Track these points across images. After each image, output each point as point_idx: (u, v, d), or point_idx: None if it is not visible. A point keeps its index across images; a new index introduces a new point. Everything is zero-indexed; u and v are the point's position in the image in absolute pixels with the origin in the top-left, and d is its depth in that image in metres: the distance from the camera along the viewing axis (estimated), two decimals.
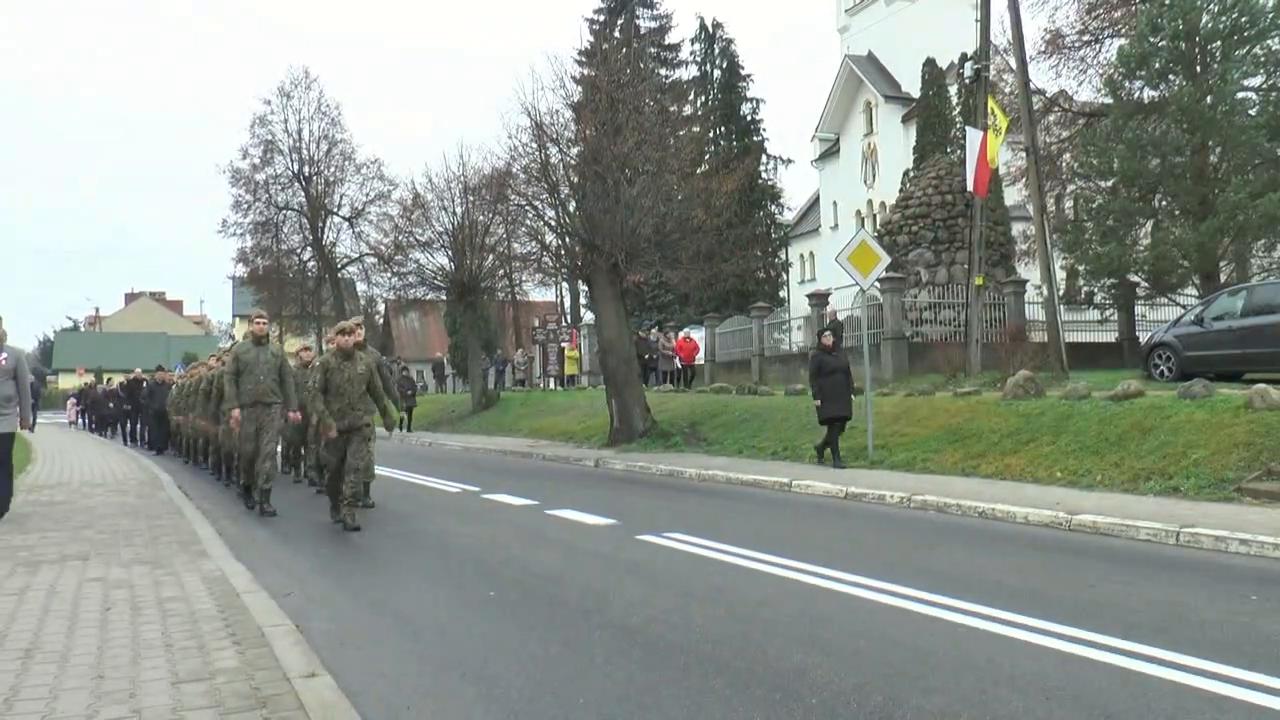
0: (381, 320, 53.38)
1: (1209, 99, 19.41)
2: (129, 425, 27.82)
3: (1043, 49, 25.42)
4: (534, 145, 19.26)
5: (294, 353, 14.00)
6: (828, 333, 14.14)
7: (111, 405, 31.41)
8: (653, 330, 30.06)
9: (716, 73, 46.26)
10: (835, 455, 13.54)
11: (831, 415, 13.46)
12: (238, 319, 69.21)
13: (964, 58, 22.47)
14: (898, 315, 22.63)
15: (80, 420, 38.24)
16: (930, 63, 31.41)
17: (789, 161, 47.36)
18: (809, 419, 16.71)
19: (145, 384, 24.57)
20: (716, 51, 46.25)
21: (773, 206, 46.08)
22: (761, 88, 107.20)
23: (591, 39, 33.69)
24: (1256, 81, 20.50)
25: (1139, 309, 23.55)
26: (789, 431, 16.16)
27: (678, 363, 27.44)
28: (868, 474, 12.58)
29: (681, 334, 27.92)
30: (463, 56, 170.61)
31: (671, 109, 25.81)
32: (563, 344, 32.90)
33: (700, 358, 28.79)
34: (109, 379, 38.17)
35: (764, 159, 45.26)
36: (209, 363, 16.16)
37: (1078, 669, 4.60)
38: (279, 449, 10.80)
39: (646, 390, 23.97)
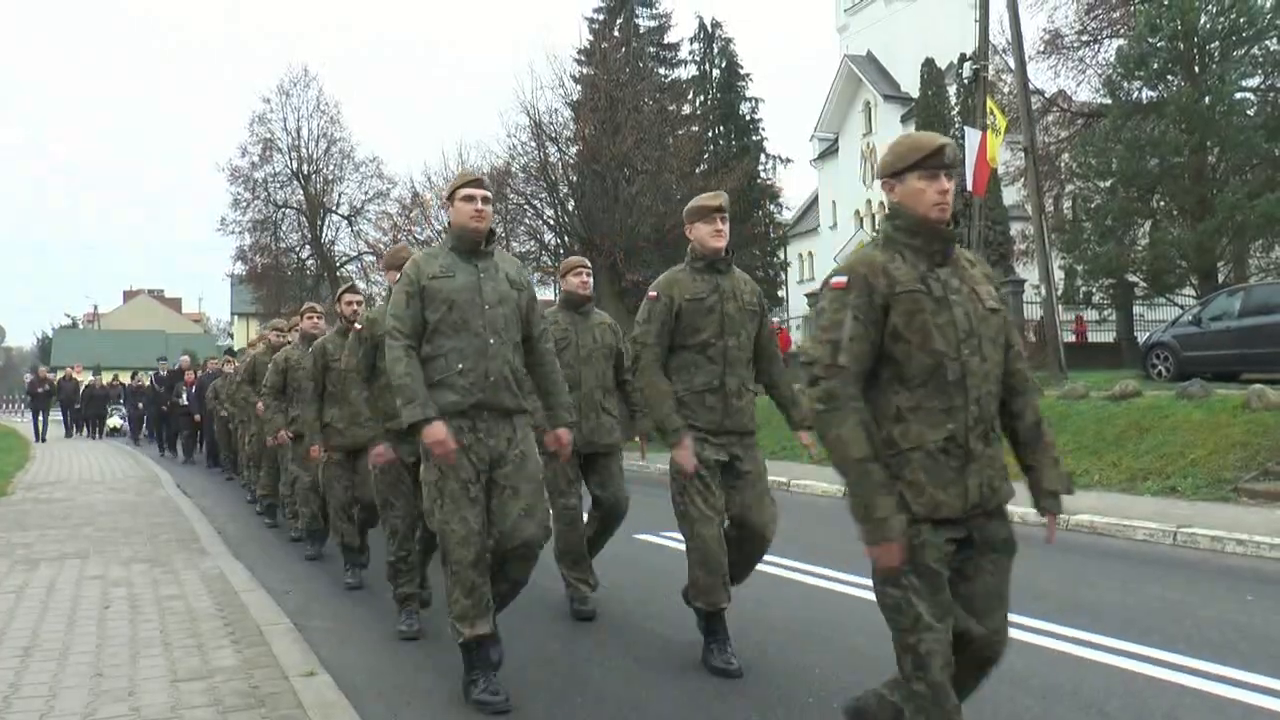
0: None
1: (1207, 99, 19.45)
2: (199, 433, 19.10)
3: (1041, 49, 25.42)
4: (533, 144, 19.32)
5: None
6: None
7: (141, 405, 26.37)
8: None
9: (715, 72, 46.15)
10: None
11: None
12: (236, 317, 68.97)
13: (963, 58, 22.49)
14: None
15: (72, 424, 30.01)
16: (929, 63, 31.41)
17: (788, 161, 47.18)
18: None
19: (198, 375, 18.07)
20: (715, 51, 46.15)
21: (771, 206, 45.89)
22: (761, 87, 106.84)
23: (591, 38, 33.64)
24: (1254, 82, 20.56)
25: (1137, 309, 23.59)
26: (787, 431, 16.10)
27: None
28: None
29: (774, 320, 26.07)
30: (462, 54, 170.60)
31: (670, 108, 25.74)
32: None
33: None
34: (115, 376, 37.17)
35: (763, 158, 45.12)
36: (280, 329, 10.12)
37: (1074, 668, 4.61)
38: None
39: None
